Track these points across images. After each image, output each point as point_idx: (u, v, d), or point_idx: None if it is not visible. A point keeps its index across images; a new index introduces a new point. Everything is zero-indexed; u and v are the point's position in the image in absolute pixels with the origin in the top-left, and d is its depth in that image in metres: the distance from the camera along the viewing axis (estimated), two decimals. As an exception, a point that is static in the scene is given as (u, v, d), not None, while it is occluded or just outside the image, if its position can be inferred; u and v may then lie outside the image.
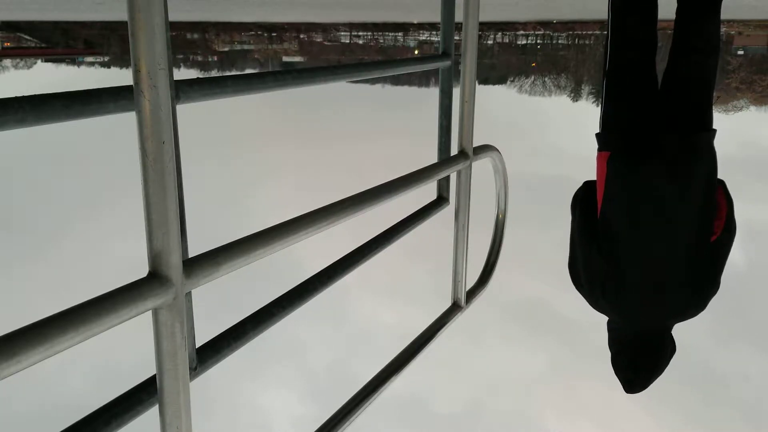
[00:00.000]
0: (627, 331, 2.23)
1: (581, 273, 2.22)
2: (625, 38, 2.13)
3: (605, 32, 2.22)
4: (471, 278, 1.61)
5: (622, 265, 2.12)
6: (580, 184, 2.37)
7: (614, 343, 2.27)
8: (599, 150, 2.19)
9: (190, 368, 0.82)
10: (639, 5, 2.12)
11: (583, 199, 2.24)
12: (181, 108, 0.81)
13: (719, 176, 2.15)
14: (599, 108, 2.23)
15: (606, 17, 2.20)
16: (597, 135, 2.21)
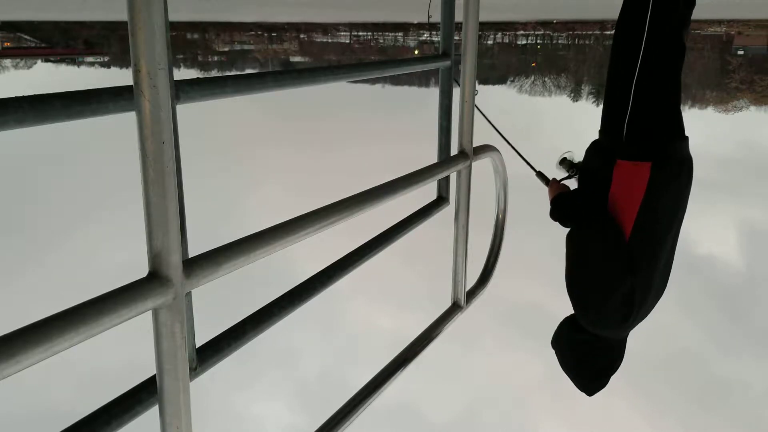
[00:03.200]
0: (608, 340, 2.20)
1: (600, 293, 2.07)
2: (663, 43, 2.00)
3: (626, 35, 2.05)
4: (471, 278, 1.61)
5: (651, 276, 2.05)
6: (571, 195, 2.23)
7: (588, 353, 2.21)
8: (630, 159, 2.03)
9: (190, 368, 0.82)
10: (678, 8, 2.01)
11: (595, 211, 2.09)
12: (181, 108, 0.81)
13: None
14: (621, 113, 2.05)
15: (614, 18, 2.08)
16: (627, 143, 2.05)
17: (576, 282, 2.13)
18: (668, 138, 2.04)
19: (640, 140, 2.03)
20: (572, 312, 2.27)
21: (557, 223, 2.24)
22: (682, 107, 2.10)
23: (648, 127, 2.03)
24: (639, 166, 2.01)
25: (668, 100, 2.04)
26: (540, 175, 2.46)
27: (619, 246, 2.02)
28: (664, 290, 2.18)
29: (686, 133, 2.10)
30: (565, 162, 2.38)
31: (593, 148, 2.21)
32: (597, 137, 2.22)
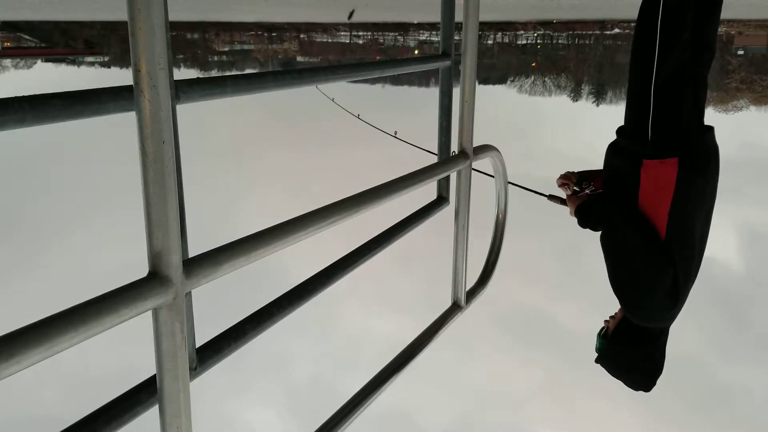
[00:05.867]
0: (655, 330, 2.24)
1: (646, 290, 2.11)
2: (677, 42, 2.01)
3: (649, 32, 2.05)
4: (471, 278, 1.61)
5: (690, 268, 2.10)
6: (596, 200, 2.27)
7: (627, 338, 2.24)
8: (656, 158, 2.06)
9: (190, 368, 0.82)
10: (690, 7, 2.00)
11: (626, 212, 2.12)
12: (181, 108, 0.81)
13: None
14: (644, 115, 2.07)
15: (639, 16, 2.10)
16: (653, 143, 2.07)
17: (621, 282, 2.18)
18: (692, 132, 2.07)
19: (665, 138, 2.06)
20: (600, 327, 2.33)
21: (588, 229, 2.29)
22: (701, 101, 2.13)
23: (672, 125, 2.06)
24: (666, 164, 2.05)
25: (689, 97, 2.06)
26: (552, 197, 2.52)
27: (655, 243, 2.06)
28: (695, 278, 2.21)
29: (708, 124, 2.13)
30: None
31: (613, 150, 2.24)
32: (614, 139, 2.25)
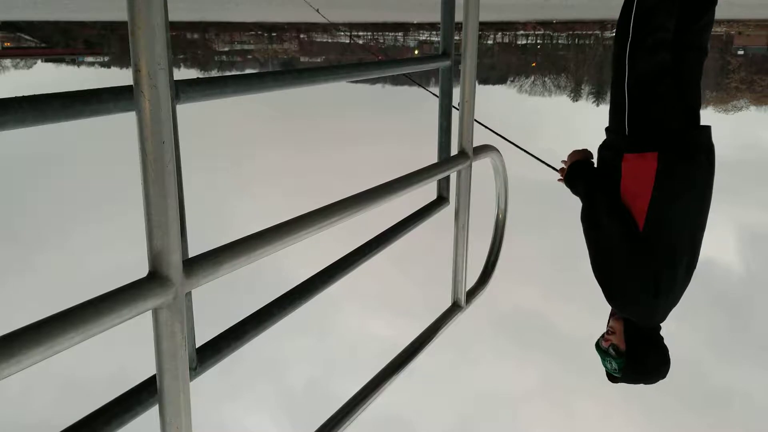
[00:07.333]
0: (651, 328, 2.23)
1: (631, 284, 2.12)
2: (648, 43, 2.05)
3: (623, 32, 2.11)
4: (471, 278, 1.61)
5: (674, 262, 2.11)
6: (588, 166, 2.31)
7: (641, 344, 2.21)
8: (636, 151, 2.10)
9: (190, 368, 0.82)
10: (666, 7, 2.04)
11: (613, 205, 2.14)
12: (181, 108, 0.81)
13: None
14: (621, 111, 2.13)
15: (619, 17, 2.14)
16: (630, 137, 2.12)
17: (598, 268, 2.21)
18: (675, 127, 2.09)
19: (642, 134, 2.11)
20: (602, 348, 2.29)
21: (566, 186, 2.34)
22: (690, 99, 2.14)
23: (649, 122, 2.10)
24: (645, 158, 2.08)
25: (670, 95, 2.09)
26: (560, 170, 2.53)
27: (632, 233, 2.08)
28: (689, 280, 2.21)
29: (703, 123, 2.14)
30: None
31: (602, 146, 2.30)
32: (605, 136, 2.29)
